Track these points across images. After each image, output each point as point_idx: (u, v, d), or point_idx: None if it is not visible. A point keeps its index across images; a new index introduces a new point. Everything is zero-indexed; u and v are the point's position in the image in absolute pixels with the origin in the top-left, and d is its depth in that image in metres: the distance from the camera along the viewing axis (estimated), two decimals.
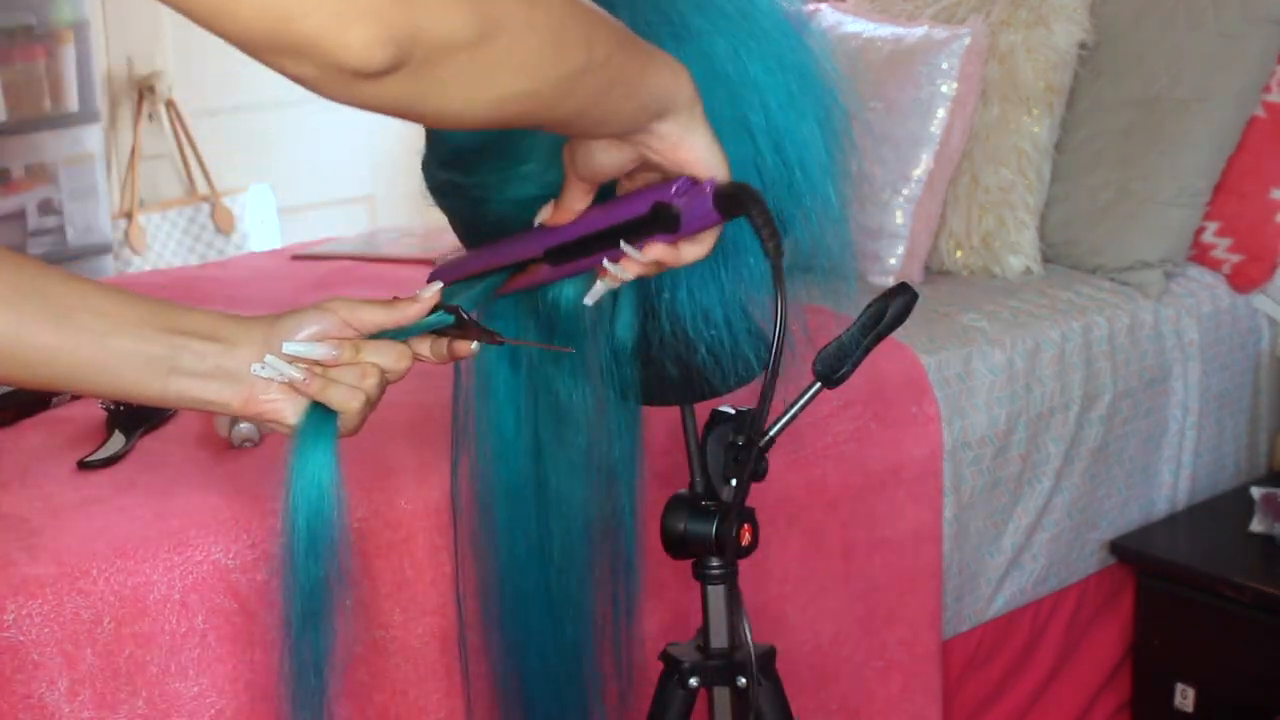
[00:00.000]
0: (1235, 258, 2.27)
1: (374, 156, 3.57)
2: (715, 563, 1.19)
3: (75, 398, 1.63)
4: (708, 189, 0.86)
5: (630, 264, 0.89)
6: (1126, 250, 2.21)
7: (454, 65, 0.70)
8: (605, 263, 0.90)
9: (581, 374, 1.04)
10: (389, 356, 0.88)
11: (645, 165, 0.88)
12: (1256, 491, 2.12)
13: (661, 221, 0.87)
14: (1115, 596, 2.17)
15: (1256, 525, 2.08)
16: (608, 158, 0.87)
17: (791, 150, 0.98)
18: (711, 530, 1.16)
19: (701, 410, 1.18)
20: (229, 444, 1.47)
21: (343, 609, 0.93)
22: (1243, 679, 2.01)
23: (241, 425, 1.46)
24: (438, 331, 0.91)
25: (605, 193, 0.91)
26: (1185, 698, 2.07)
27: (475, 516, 1.15)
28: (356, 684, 1.37)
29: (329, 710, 0.93)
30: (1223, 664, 2.03)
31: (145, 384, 0.83)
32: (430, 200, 1.06)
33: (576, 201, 0.90)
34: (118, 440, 1.47)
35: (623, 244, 0.89)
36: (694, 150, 0.86)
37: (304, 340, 0.86)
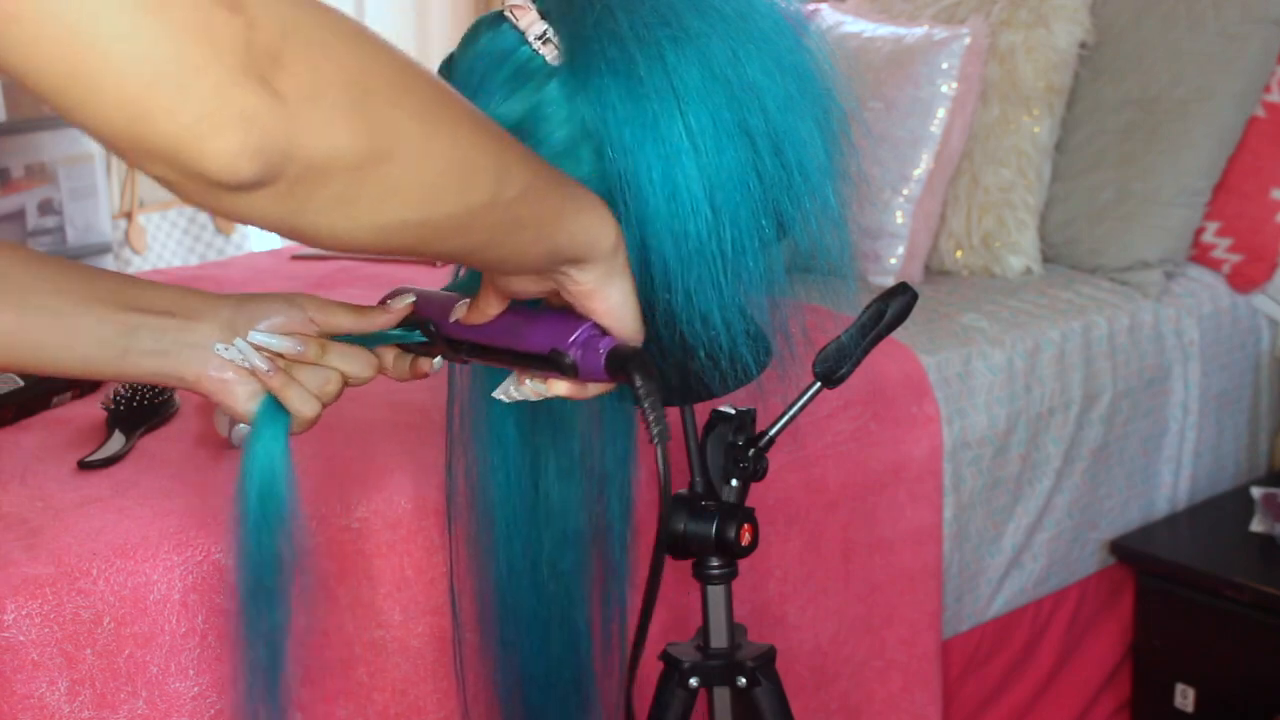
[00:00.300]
0: (1235, 258, 2.27)
1: None
2: (715, 563, 1.19)
3: (75, 397, 1.63)
4: (602, 349, 0.83)
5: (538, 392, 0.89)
6: (1126, 250, 2.21)
7: (334, 187, 0.64)
8: (519, 380, 0.90)
9: None
10: (355, 363, 0.87)
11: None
12: (1257, 491, 2.12)
13: (557, 366, 0.85)
14: (1115, 596, 2.17)
15: (1257, 525, 2.08)
16: (521, 284, 0.85)
17: (791, 152, 0.98)
18: (711, 530, 1.16)
19: (701, 410, 1.18)
20: (229, 444, 1.47)
21: (298, 589, 0.93)
22: (1243, 679, 2.01)
23: (241, 425, 1.46)
24: (404, 346, 0.90)
25: None
26: (1185, 698, 2.07)
27: (471, 519, 1.15)
28: (356, 684, 1.37)
29: (284, 685, 0.93)
30: (1223, 664, 2.03)
31: (104, 361, 0.83)
32: None
33: (490, 308, 0.88)
34: (118, 440, 1.47)
35: (528, 382, 0.88)
36: (606, 302, 0.83)
37: (269, 329, 0.85)
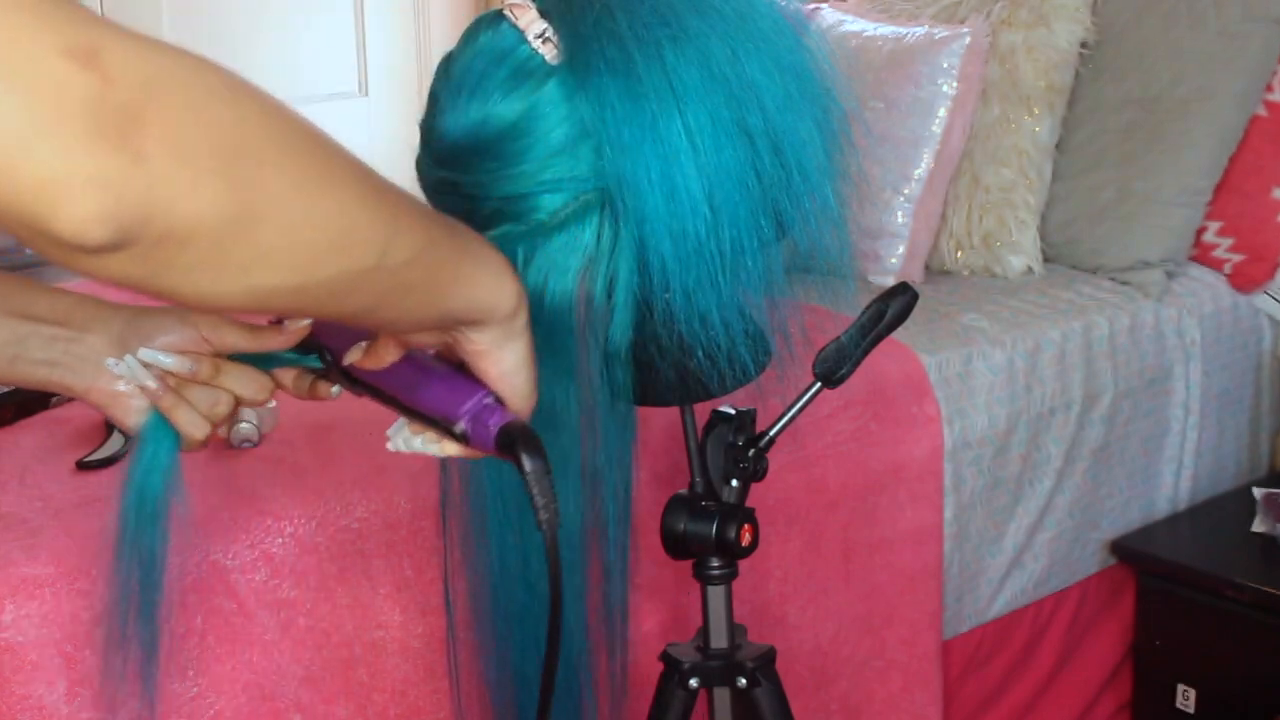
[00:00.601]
0: (1236, 257, 2.27)
1: (372, 157, 3.55)
2: (715, 563, 1.19)
3: (74, 398, 1.63)
4: (492, 425, 0.80)
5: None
6: (1127, 250, 2.21)
7: (199, 250, 0.60)
8: (412, 431, 0.87)
9: (568, 376, 1.04)
10: (248, 385, 0.85)
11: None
12: (1258, 492, 2.12)
13: (447, 432, 0.82)
14: (1116, 597, 2.16)
15: (1258, 525, 2.08)
16: (418, 338, 0.82)
17: (790, 152, 0.98)
18: (711, 531, 1.16)
19: (701, 410, 1.18)
20: (228, 444, 1.47)
21: (164, 632, 0.94)
22: (1243, 679, 2.01)
23: (241, 425, 1.46)
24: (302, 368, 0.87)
25: None
26: (1186, 698, 2.07)
27: (465, 517, 1.15)
28: (356, 684, 1.37)
29: (152, 698, 0.92)
30: (1223, 664, 2.03)
31: None
32: (424, 199, 1.05)
33: (387, 356, 0.85)
34: (117, 440, 1.47)
35: (419, 440, 0.85)
36: (498, 366, 0.81)
37: (161, 346, 0.83)
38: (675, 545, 1.17)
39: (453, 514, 1.15)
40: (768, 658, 1.23)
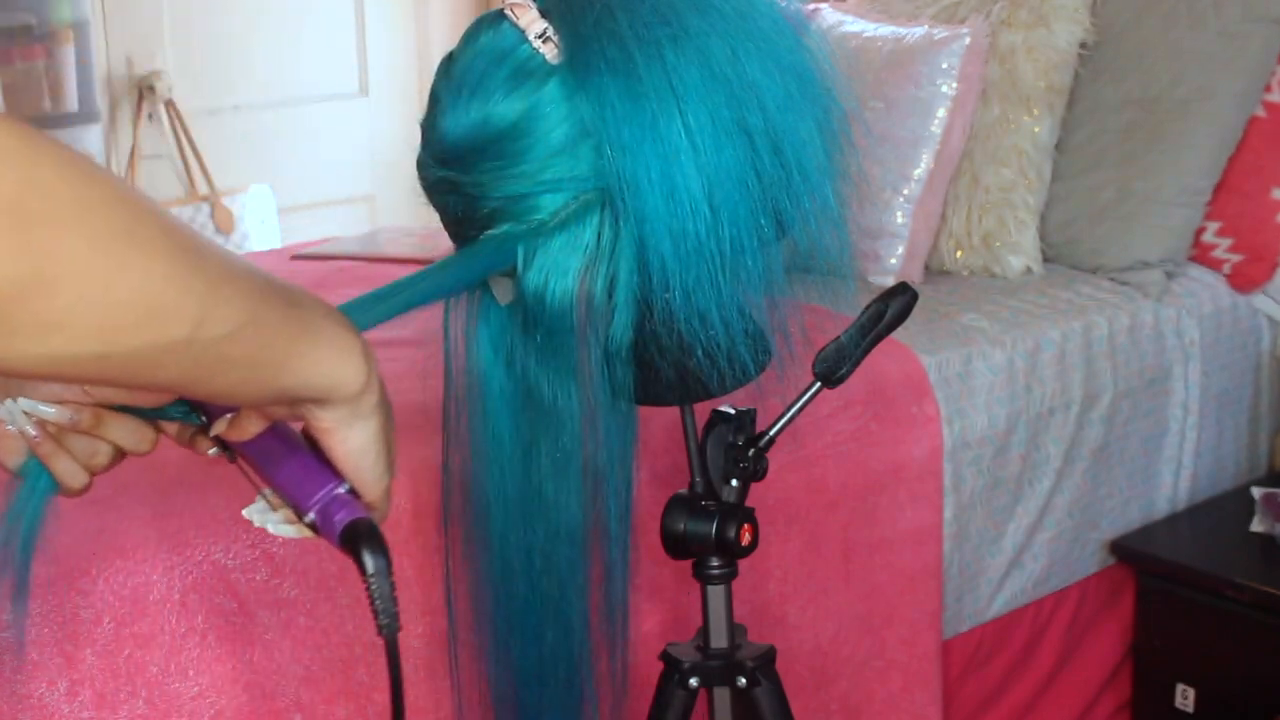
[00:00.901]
0: (1236, 257, 2.27)
1: (374, 156, 3.57)
2: (715, 563, 1.19)
3: None
4: (338, 520, 0.77)
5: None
6: (1127, 250, 2.21)
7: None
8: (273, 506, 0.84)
9: (568, 375, 1.04)
10: (130, 437, 0.82)
11: None
12: (1257, 491, 2.12)
13: (299, 518, 0.80)
14: (1115, 596, 2.17)
15: (1257, 525, 2.08)
16: (272, 410, 0.79)
17: (790, 152, 0.98)
18: (711, 530, 1.16)
19: (701, 410, 1.18)
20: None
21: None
22: (1243, 679, 2.01)
23: None
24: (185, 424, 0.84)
25: None
26: (1186, 698, 2.07)
27: (466, 515, 1.15)
28: (356, 684, 1.37)
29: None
30: (1223, 664, 2.03)
31: None
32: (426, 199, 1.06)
33: (250, 427, 0.82)
34: None
35: (274, 523, 0.82)
36: (344, 445, 0.77)
37: (44, 395, 0.79)
38: (675, 545, 1.17)
39: (454, 514, 1.16)
40: (768, 657, 1.23)
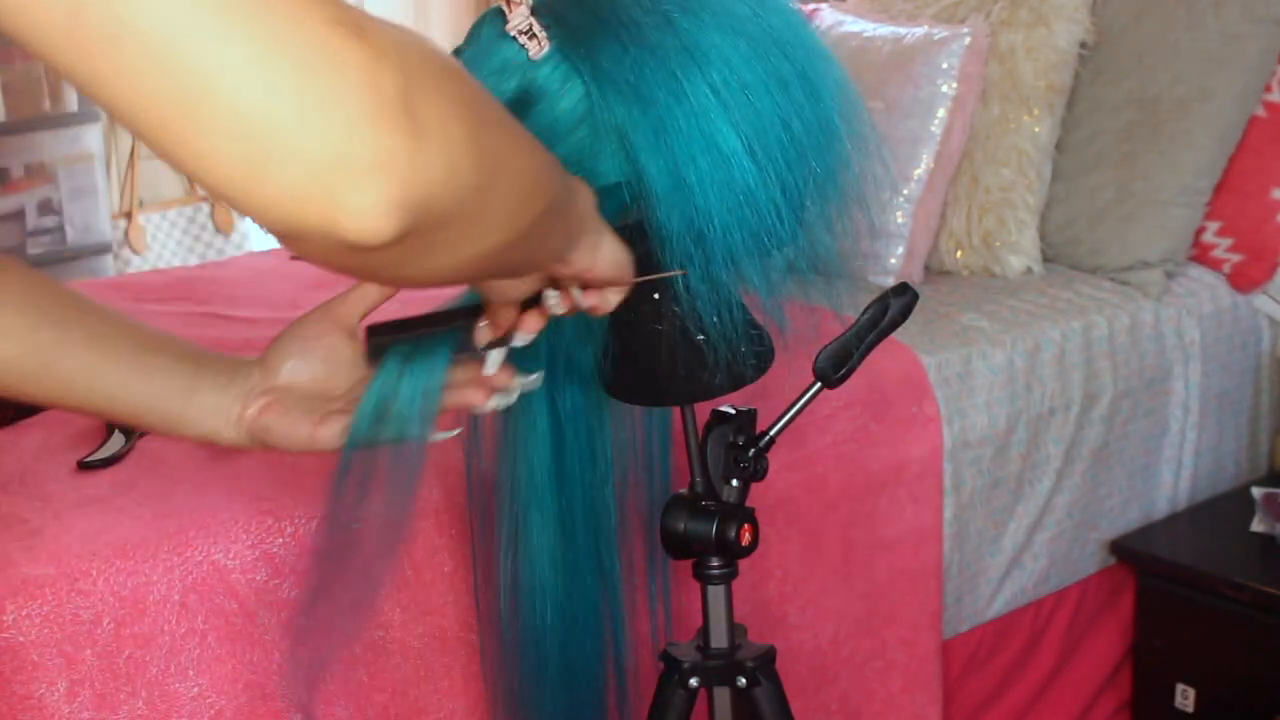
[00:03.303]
0: (1236, 257, 2.27)
1: None
2: (715, 563, 1.19)
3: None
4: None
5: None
6: (1127, 250, 2.21)
7: (450, 230, 0.56)
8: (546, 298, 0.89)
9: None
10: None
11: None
12: (1257, 491, 2.12)
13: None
14: (1115, 596, 2.17)
15: (1257, 525, 2.08)
16: (515, 290, 0.83)
17: (827, 97, 0.99)
18: (711, 530, 1.16)
19: (701, 410, 1.18)
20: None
21: None
22: (1243, 679, 2.01)
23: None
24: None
25: None
26: (1185, 698, 2.07)
27: (499, 513, 1.15)
28: (356, 684, 1.37)
29: None
30: (1223, 664, 2.03)
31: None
32: None
33: (508, 317, 0.86)
34: (117, 440, 1.47)
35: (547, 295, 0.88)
36: (605, 261, 0.83)
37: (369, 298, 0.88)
38: (675, 545, 1.17)
39: (477, 514, 1.16)
40: (768, 657, 1.23)
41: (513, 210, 0.62)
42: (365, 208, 0.50)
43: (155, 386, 0.85)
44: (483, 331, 0.86)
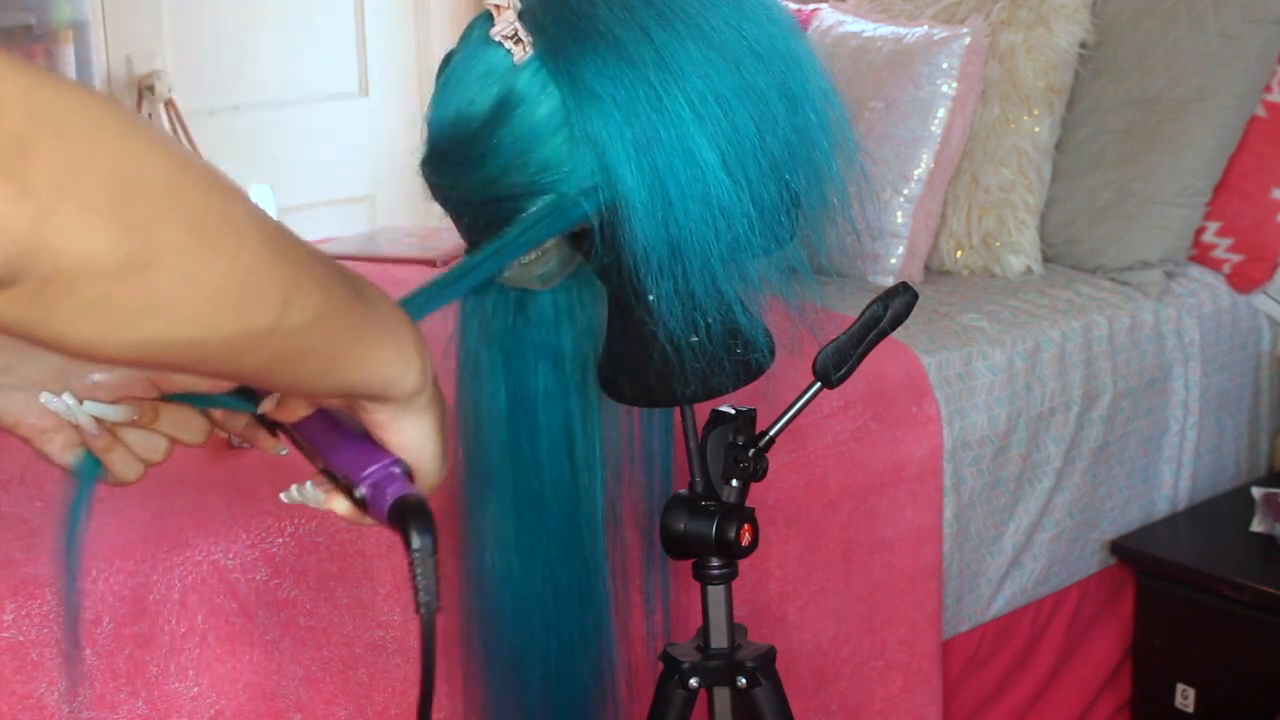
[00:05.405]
0: (1236, 257, 2.27)
1: (374, 156, 3.57)
2: (715, 563, 1.19)
3: None
4: (390, 494, 0.76)
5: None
6: (1127, 250, 2.21)
7: (86, 294, 0.55)
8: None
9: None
10: (187, 429, 0.82)
11: None
12: (1257, 491, 2.12)
13: (348, 492, 0.78)
14: (1115, 596, 2.17)
15: (1257, 525, 2.08)
16: (322, 400, 0.78)
17: (808, 106, 0.99)
18: (711, 530, 1.16)
19: (701, 410, 1.18)
20: (229, 444, 1.46)
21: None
22: (1243, 679, 2.01)
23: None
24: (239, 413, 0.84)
25: None
26: (1186, 698, 2.07)
27: (479, 513, 1.15)
28: (356, 684, 1.37)
29: None
30: (1223, 664, 2.03)
31: None
32: (430, 199, 1.06)
33: (298, 409, 0.81)
34: None
35: (309, 486, 0.82)
36: (399, 436, 0.76)
37: (105, 385, 0.79)
38: (675, 545, 1.17)
39: (465, 510, 1.16)
40: (768, 657, 1.23)
41: (200, 309, 0.60)
42: None
43: None
44: (268, 402, 0.81)
